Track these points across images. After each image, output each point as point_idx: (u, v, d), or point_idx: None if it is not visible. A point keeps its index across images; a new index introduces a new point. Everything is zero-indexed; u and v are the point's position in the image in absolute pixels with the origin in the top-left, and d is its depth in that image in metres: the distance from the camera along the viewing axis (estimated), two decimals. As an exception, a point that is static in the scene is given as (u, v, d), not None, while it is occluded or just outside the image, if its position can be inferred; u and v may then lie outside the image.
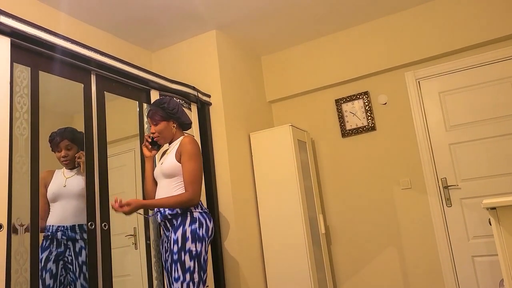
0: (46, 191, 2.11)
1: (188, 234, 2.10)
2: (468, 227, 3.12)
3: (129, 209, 2.05)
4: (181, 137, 2.31)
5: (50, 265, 2.03)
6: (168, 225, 2.19)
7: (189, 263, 2.06)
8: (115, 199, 2.05)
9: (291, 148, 3.26)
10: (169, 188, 2.21)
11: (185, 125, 2.42)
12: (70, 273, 2.08)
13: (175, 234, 2.11)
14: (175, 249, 2.09)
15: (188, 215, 2.16)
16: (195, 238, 2.11)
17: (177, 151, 2.23)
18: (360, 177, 3.54)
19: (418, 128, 3.34)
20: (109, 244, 2.21)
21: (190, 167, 2.17)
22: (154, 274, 2.46)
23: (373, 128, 3.52)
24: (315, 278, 3.06)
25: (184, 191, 2.18)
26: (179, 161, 2.21)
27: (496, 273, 2.98)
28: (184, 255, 2.07)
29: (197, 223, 2.15)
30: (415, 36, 3.36)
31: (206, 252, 2.16)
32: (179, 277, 2.05)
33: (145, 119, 2.67)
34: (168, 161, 2.24)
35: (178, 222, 2.14)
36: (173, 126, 2.34)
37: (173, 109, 2.33)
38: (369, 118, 3.54)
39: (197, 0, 2.92)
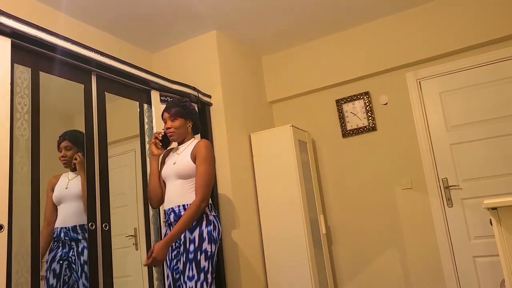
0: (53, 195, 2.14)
1: (205, 235, 2.16)
2: (469, 228, 3.11)
3: (158, 255, 2.04)
4: (193, 139, 2.38)
5: (54, 265, 2.05)
6: None
7: (204, 263, 2.11)
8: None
9: (291, 149, 3.26)
10: (184, 188, 2.23)
11: (197, 128, 2.49)
12: (74, 272, 2.10)
13: (191, 234, 2.15)
14: (191, 248, 2.13)
15: (204, 217, 2.21)
16: (211, 239, 2.17)
17: (192, 153, 2.26)
18: (361, 178, 3.54)
19: (419, 128, 3.33)
20: (109, 245, 2.21)
21: (203, 170, 2.20)
22: (155, 275, 2.45)
23: (374, 129, 3.52)
24: (316, 279, 3.06)
25: None
26: (195, 162, 2.23)
27: (497, 274, 2.97)
28: (200, 255, 2.11)
29: (212, 226, 2.21)
30: (416, 36, 3.36)
31: (217, 254, 2.21)
32: (193, 276, 2.08)
33: (146, 120, 2.67)
34: (184, 161, 2.26)
35: (194, 223, 2.18)
36: (189, 126, 2.39)
37: (193, 109, 2.41)
38: (369, 118, 3.53)
39: (198, 1, 2.92)
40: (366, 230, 3.46)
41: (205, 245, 2.14)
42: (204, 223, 2.19)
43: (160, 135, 2.39)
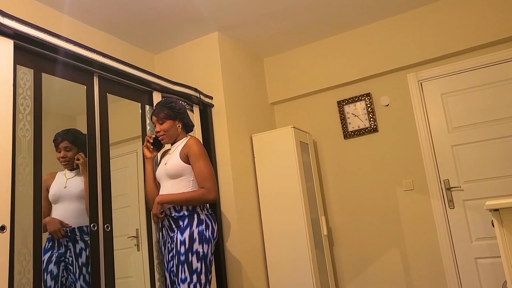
0: (48, 194, 2.10)
1: (196, 235, 2.12)
2: (471, 229, 3.11)
3: (152, 208, 2.22)
4: (185, 138, 2.34)
5: (51, 266, 2.02)
6: (174, 226, 2.19)
7: (196, 264, 2.08)
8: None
9: (293, 150, 3.26)
10: (176, 189, 2.22)
11: (189, 126, 2.45)
12: (71, 274, 2.08)
13: (182, 235, 2.13)
14: (182, 250, 2.10)
15: (195, 216, 2.18)
16: (202, 239, 2.13)
17: (182, 152, 2.24)
18: (362, 179, 3.54)
19: (420, 129, 3.33)
20: (111, 246, 2.22)
21: (201, 166, 2.19)
22: (157, 276, 2.45)
23: (375, 130, 3.52)
24: (317, 280, 3.05)
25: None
26: (185, 162, 2.22)
27: (499, 275, 2.97)
28: (191, 256, 2.09)
29: (204, 225, 2.17)
30: (417, 37, 3.36)
31: (212, 254, 2.18)
32: (185, 278, 2.06)
33: (148, 121, 2.67)
34: (172, 161, 2.25)
35: (185, 223, 2.15)
36: (179, 126, 2.37)
37: (180, 109, 2.37)
38: (371, 119, 3.53)
39: (200, 2, 2.93)
40: (368, 231, 3.46)
41: (196, 245, 2.10)
42: (195, 222, 2.16)
43: (152, 138, 2.38)
